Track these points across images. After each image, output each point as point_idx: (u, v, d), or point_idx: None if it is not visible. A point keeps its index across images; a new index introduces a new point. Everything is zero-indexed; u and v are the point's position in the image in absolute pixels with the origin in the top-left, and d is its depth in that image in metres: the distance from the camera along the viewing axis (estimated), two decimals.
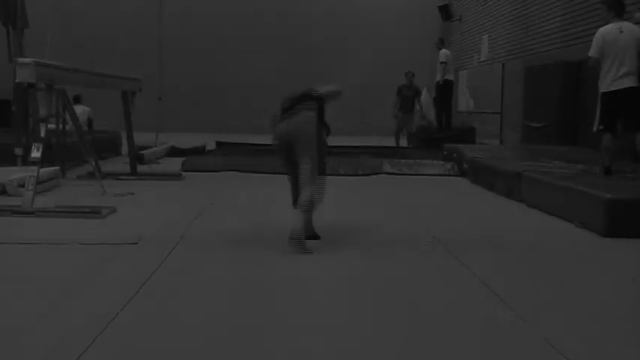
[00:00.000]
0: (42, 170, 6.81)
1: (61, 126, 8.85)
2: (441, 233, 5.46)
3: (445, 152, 11.20)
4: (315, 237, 5.10)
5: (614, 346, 3.04)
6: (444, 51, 14.65)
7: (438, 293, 3.87)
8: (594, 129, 7.24)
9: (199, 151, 12.68)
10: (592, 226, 5.66)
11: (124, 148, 11.18)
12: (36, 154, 6.51)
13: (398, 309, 3.52)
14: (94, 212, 6.00)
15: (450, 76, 14.69)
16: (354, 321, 3.32)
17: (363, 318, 3.38)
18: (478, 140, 15.03)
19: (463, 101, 18.32)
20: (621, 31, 7.03)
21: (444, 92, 14.60)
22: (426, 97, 15.63)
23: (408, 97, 15.21)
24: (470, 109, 17.82)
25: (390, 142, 15.02)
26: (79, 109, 11.29)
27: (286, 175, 5.20)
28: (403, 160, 10.77)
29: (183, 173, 9.44)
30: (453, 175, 10.00)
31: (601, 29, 7.19)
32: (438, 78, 14.55)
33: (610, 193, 5.67)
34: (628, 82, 6.96)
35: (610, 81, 7.03)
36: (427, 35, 19.69)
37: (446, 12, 20.06)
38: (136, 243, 4.91)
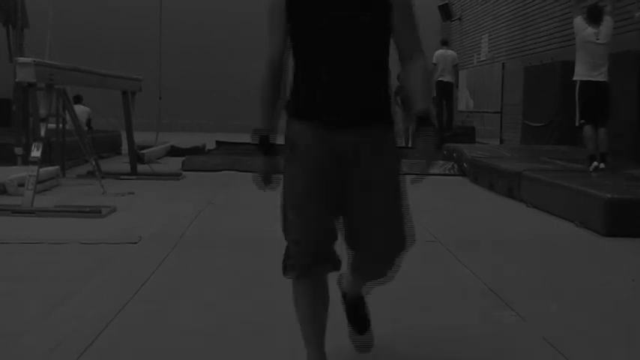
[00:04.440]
0: (42, 169, 6.81)
1: (61, 125, 8.85)
2: (441, 233, 5.46)
3: (445, 152, 11.18)
4: None
5: (614, 346, 3.04)
6: (437, 52, 14.66)
7: (438, 293, 3.87)
8: None
9: (199, 150, 12.67)
10: (592, 226, 5.66)
11: (124, 148, 11.17)
12: (36, 153, 6.51)
13: (398, 308, 3.52)
14: (94, 212, 6.00)
15: (446, 78, 14.50)
16: None
17: None
18: (478, 140, 15.02)
19: (463, 101, 18.31)
20: None
21: (437, 93, 14.60)
22: None
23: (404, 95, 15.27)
24: (470, 109, 17.81)
25: None
26: (79, 109, 11.28)
27: None
28: (403, 160, 10.74)
29: (183, 173, 9.44)
30: (453, 175, 10.00)
31: None
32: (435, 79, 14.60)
33: (610, 193, 5.67)
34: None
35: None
36: (427, 35, 19.58)
37: (446, 12, 20.04)
38: (136, 242, 4.91)
